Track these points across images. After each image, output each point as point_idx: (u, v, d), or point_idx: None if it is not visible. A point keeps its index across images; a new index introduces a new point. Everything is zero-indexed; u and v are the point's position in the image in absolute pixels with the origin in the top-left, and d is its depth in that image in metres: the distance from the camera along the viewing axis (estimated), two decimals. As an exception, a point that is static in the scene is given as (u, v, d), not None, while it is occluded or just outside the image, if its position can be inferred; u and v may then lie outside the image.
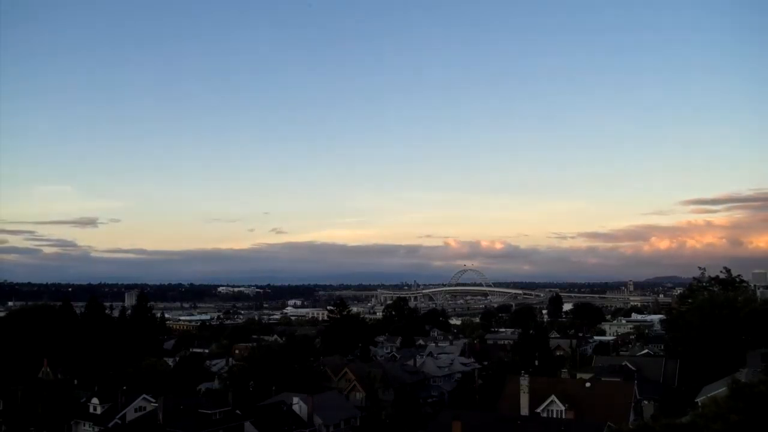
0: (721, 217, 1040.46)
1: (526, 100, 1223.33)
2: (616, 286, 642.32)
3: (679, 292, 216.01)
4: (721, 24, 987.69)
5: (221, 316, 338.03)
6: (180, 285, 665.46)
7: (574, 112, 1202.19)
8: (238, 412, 66.35)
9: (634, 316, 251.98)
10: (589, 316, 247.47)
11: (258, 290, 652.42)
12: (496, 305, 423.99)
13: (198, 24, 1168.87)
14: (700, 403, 52.47)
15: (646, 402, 63.20)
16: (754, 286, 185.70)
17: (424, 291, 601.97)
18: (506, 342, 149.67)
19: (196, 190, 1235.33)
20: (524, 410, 57.19)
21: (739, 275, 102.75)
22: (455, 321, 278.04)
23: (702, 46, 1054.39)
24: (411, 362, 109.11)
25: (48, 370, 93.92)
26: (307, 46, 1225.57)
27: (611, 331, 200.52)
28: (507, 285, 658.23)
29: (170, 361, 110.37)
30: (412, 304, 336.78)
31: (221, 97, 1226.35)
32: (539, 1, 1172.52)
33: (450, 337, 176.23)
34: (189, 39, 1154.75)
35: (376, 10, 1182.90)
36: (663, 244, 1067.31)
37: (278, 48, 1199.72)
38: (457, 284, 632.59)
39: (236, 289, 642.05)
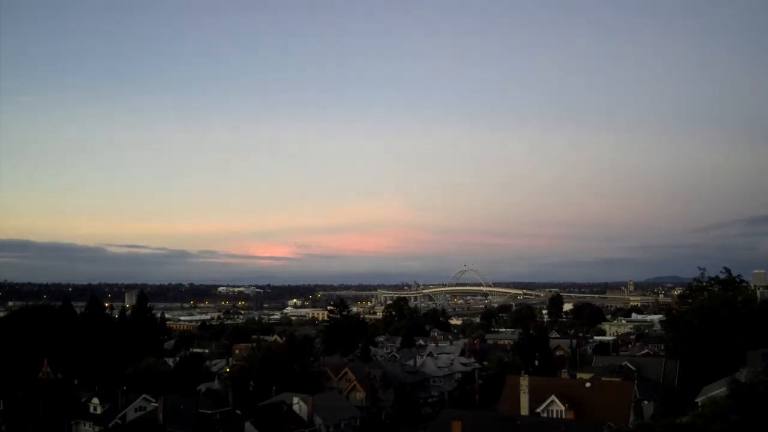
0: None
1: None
2: (616, 286, 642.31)
3: (679, 292, 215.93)
4: None
5: (221, 316, 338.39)
6: (180, 285, 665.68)
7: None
8: (238, 412, 66.45)
9: (634, 316, 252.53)
10: (589, 316, 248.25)
11: (258, 290, 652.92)
12: (496, 305, 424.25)
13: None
14: (700, 403, 52.52)
15: (646, 402, 63.20)
16: (754, 286, 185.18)
17: (424, 291, 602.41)
18: (506, 342, 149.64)
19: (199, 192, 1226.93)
20: (524, 410, 57.18)
21: (738, 275, 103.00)
22: (455, 321, 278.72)
23: None
24: (411, 362, 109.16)
25: (48, 370, 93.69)
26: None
27: (611, 331, 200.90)
28: (507, 285, 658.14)
29: (170, 361, 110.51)
30: (412, 304, 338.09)
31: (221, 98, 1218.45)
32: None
33: (450, 337, 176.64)
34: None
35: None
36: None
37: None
38: (457, 284, 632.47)
39: (236, 289, 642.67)
